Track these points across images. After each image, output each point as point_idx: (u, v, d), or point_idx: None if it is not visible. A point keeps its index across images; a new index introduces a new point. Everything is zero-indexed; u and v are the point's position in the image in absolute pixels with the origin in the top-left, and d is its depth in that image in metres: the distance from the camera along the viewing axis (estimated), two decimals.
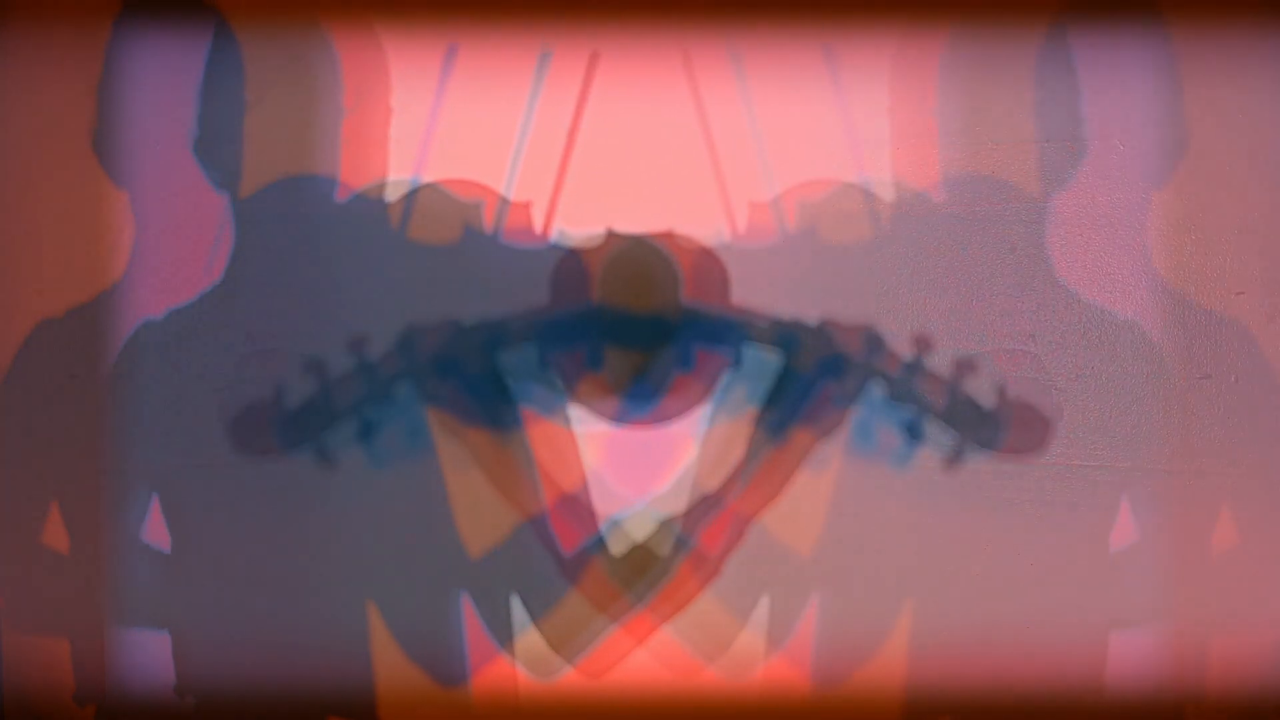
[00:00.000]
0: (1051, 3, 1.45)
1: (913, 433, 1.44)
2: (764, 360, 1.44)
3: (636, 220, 1.45)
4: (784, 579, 1.46)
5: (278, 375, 1.45)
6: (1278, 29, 1.44)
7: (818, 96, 1.45)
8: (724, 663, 1.47)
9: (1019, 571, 1.45)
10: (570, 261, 1.44)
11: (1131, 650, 1.45)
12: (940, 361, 1.44)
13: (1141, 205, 1.45)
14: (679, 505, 1.46)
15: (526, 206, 1.45)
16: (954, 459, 1.44)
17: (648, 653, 1.46)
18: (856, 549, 1.46)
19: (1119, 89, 1.45)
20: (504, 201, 1.45)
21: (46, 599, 1.45)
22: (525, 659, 1.47)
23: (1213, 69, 1.45)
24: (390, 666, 1.46)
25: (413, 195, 1.45)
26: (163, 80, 1.46)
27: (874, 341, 1.44)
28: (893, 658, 1.46)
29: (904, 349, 1.44)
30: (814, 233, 1.45)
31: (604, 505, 1.46)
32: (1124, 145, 1.45)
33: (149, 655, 1.46)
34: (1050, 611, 1.45)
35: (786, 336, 1.44)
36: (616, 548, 1.45)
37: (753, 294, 1.44)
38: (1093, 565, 1.45)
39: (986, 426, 1.44)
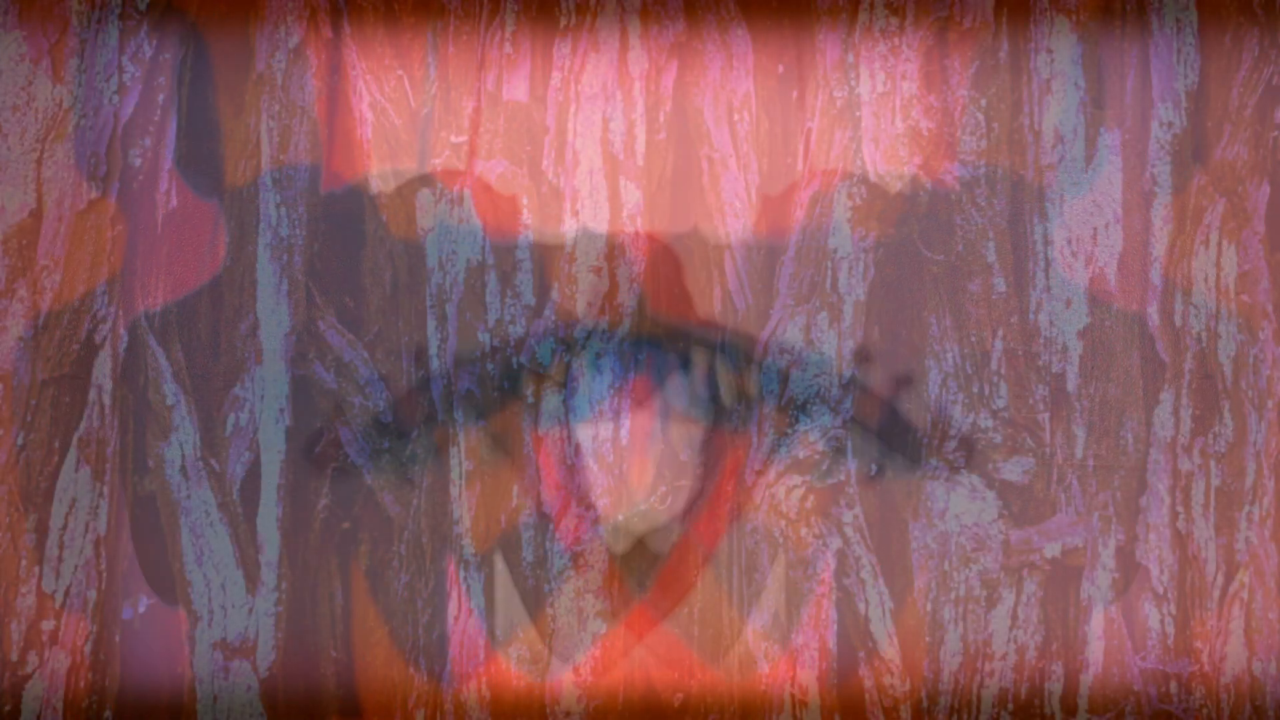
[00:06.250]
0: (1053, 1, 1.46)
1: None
2: (776, 364, 1.45)
3: (645, 220, 1.46)
4: (785, 574, 1.46)
5: (276, 378, 1.46)
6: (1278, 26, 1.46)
7: (812, 93, 1.47)
8: (725, 660, 1.46)
9: (1022, 571, 1.45)
10: (582, 263, 1.46)
11: (1131, 649, 1.45)
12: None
13: (1142, 205, 1.46)
14: (676, 502, 1.45)
15: (554, 197, 1.46)
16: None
17: (646, 650, 1.45)
18: (857, 543, 1.46)
19: (1121, 87, 1.46)
20: (519, 200, 1.46)
21: (46, 600, 1.45)
22: (520, 657, 1.46)
23: (1216, 67, 1.46)
24: (378, 662, 1.46)
25: (411, 191, 1.46)
26: (145, 84, 1.47)
27: (862, 353, 1.45)
28: (896, 655, 1.46)
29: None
30: (808, 234, 1.46)
31: (602, 502, 1.45)
32: (1126, 142, 1.46)
33: (146, 651, 1.46)
34: (1051, 611, 1.45)
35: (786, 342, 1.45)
36: (615, 544, 1.45)
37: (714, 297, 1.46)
38: (1093, 565, 1.44)
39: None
